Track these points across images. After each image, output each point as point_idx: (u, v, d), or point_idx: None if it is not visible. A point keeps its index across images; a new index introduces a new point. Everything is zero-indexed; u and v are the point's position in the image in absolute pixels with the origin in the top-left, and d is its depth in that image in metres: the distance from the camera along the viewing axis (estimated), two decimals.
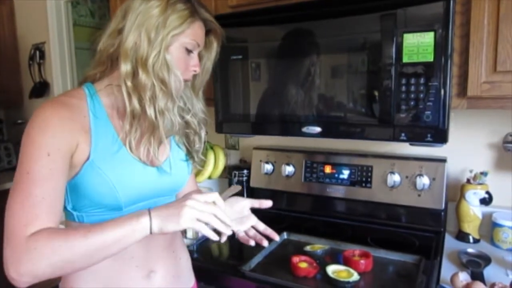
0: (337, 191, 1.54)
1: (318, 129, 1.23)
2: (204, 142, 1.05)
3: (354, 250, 1.20)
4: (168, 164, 0.95)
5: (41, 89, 2.84)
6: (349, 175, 1.52)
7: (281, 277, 1.11)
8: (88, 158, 0.82)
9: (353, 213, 1.54)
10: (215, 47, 0.99)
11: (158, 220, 0.75)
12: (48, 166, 0.76)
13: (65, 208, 0.86)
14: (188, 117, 0.97)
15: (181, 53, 0.88)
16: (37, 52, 2.81)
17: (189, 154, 1.03)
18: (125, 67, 0.83)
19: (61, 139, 0.79)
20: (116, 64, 0.87)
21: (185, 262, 1.06)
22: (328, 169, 1.56)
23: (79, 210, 0.86)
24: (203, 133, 1.03)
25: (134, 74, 0.83)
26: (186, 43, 0.88)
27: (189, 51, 0.90)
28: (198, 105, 1.00)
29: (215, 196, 0.81)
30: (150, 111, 0.84)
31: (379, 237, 1.38)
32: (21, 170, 0.76)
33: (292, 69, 1.27)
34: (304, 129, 1.24)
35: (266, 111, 1.33)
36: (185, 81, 0.93)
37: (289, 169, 1.62)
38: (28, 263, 0.70)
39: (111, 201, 0.86)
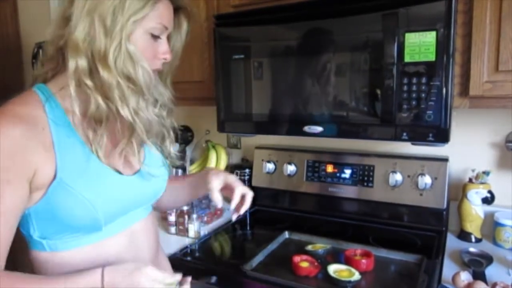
0: (339, 191, 1.54)
1: (320, 129, 1.23)
2: (177, 137, 0.96)
3: (355, 249, 1.20)
4: (146, 170, 0.85)
5: None
6: (351, 174, 1.52)
7: (283, 277, 1.12)
8: (54, 178, 0.71)
9: (354, 213, 1.54)
10: (185, 27, 0.85)
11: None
12: (8, 197, 0.66)
13: (29, 237, 0.76)
14: (156, 110, 0.83)
15: (146, 40, 0.75)
16: (40, 51, 2.82)
17: (163, 153, 0.92)
18: (73, 62, 0.70)
19: (20, 163, 0.67)
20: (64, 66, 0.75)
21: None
22: (330, 169, 1.56)
23: (50, 238, 0.75)
24: (172, 126, 0.92)
25: (92, 71, 0.71)
26: (151, 28, 0.75)
27: (155, 37, 0.77)
28: (167, 94, 0.87)
29: (177, 278, 0.75)
30: (125, 112, 0.72)
31: (380, 237, 1.38)
32: None
33: (294, 68, 1.27)
34: (306, 129, 1.25)
35: (268, 110, 1.33)
36: (156, 71, 0.81)
37: (291, 168, 1.63)
38: None
39: (89, 222, 0.75)
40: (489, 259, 1.17)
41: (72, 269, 0.75)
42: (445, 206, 1.37)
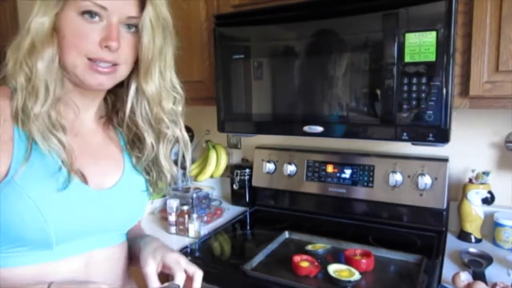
0: (339, 191, 1.54)
1: (320, 129, 1.23)
2: (177, 172, 0.88)
3: (355, 249, 1.21)
4: (119, 189, 0.77)
5: None
6: (351, 174, 1.52)
7: (283, 276, 1.12)
8: (6, 175, 0.63)
9: (354, 213, 1.54)
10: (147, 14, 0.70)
11: None
12: None
13: None
14: (139, 122, 0.76)
15: (78, 20, 0.67)
16: None
17: (149, 182, 0.84)
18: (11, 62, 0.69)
19: None
20: None
21: None
22: (330, 169, 1.57)
23: None
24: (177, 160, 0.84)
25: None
26: (84, 5, 0.66)
27: (91, 15, 0.67)
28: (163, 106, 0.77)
29: None
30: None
31: (380, 237, 1.38)
32: None
33: (294, 68, 1.27)
34: (306, 129, 1.25)
35: (268, 110, 1.33)
36: (99, 60, 0.68)
37: (291, 168, 1.63)
38: None
39: (37, 235, 0.65)
40: (489, 260, 1.17)
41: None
42: (445, 206, 1.37)
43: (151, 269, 0.75)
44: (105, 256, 0.77)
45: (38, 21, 0.67)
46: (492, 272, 1.11)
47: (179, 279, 0.74)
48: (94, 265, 0.75)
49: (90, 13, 0.67)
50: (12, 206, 0.64)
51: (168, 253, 0.78)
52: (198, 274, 0.78)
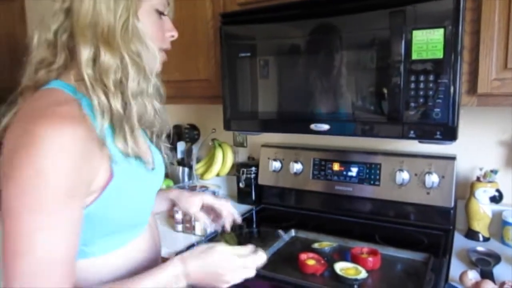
0: (346, 189, 1.54)
1: (326, 127, 1.22)
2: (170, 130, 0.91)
3: (362, 247, 1.20)
4: (160, 168, 0.85)
5: None
6: (358, 172, 1.52)
7: (289, 274, 1.12)
8: (111, 178, 0.68)
9: (361, 211, 1.54)
10: (172, 4, 0.82)
11: (194, 283, 0.73)
12: (70, 215, 0.61)
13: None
14: (155, 100, 0.79)
15: (153, 17, 0.73)
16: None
17: (160, 150, 0.89)
18: (85, 52, 0.66)
19: (84, 172, 0.63)
20: (74, 54, 0.69)
21: None
22: (336, 167, 1.56)
23: (92, 244, 0.71)
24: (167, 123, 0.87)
25: (95, 58, 0.66)
26: (156, 3, 0.73)
27: (160, 14, 0.75)
28: (162, 87, 0.82)
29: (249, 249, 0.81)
30: (114, 102, 0.67)
31: (387, 235, 1.38)
32: (29, 223, 0.57)
33: (300, 66, 1.26)
34: (313, 127, 1.24)
35: (274, 108, 1.33)
36: (164, 50, 0.79)
37: (297, 167, 1.63)
38: None
39: (136, 220, 0.77)
40: (497, 258, 1.16)
41: (109, 275, 0.73)
42: (452, 204, 1.36)
43: (196, 209, 1.00)
44: (150, 227, 0.87)
45: (134, 23, 0.69)
46: (500, 271, 1.11)
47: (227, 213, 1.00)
48: (151, 228, 0.86)
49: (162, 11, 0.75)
50: (117, 202, 0.70)
51: (203, 194, 0.99)
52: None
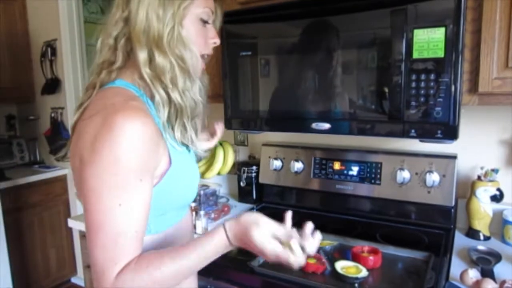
0: (346, 188, 1.54)
1: (327, 126, 1.23)
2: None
3: (363, 246, 1.20)
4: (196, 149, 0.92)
5: (53, 86, 2.88)
6: (358, 171, 1.52)
7: (290, 273, 1.12)
8: (170, 165, 0.78)
9: (362, 210, 1.54)
10: (219, 14, 0.91)
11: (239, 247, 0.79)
12: (142, 194, 0.71)
13: None
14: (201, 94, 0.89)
15: (197, 25, 0.82)
16: (49, 49, 2.85)
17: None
18: (142, 54, 0.76)
19: (152, 158, 0.73)
20: (131, 56, 0.80)
21: None
22: (337, 166, 1.56)
23: (153, 220, 0.80)
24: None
25: (151, 59, 0.77)
26: (200, 13, 0.82)
27: (205, 22, 0.84)
28: (206, 83, 0.93)
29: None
30: (174, 95, 0.78)
31: (388, 234, 1.38)
32: (109, 200, 0.68)
33: (301, 65, 1.27)
34: (313, 126, 1.25)
35: (275, 107, 1.33)
36: (207, 56, 0.88)
37: (298, 166, 1.63)
38: None
39: (185, 202, 0.88)
40: (497, 257, 1.16)
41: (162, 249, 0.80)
42: (453, 203, 1.36)
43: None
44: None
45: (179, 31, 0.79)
46: (501, 269, 1.11)
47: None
48: (189, 218, 0.97)
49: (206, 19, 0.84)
50: (175, 186, 0.80)
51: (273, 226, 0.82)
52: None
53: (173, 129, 0.80)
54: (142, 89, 0.80)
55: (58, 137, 2.87)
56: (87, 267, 1.67)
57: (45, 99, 2.96)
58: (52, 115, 2.90)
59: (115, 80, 0.80)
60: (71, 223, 1.72)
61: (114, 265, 0.68)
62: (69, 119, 2.85)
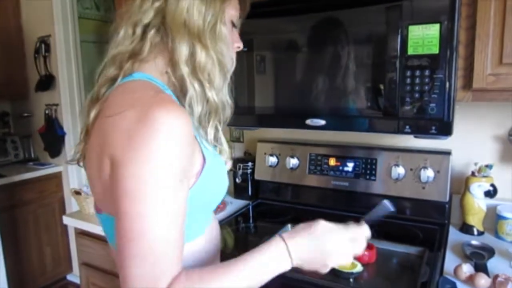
0: (342, 184, 1.55)
1: (322, 122, 1.23)
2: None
3: None
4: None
5: (47, 82, 2.86)
6: (354, 167, 1.53)
7: None
8: (204, 164, 0.71)
9: (357, 206, 1.55)
10: (241, 19, 0.87)
11: (299, 264, 0.73)
12: (182, 198, 0.63)
13: None
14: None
15: (229, 27, 0.79)
16: (43, 45, 2.82)
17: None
18: (183, 48, 0.70)
19: (191, 157, 0.67)
20: (157, 48, 0.74)
21: None
22: (332, 162, 1.57)
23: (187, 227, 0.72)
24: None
25: (192, 54, 0.71)
26: (232, 15, 0.79)
27: (233, 25, 0.81)
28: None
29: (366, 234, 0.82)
30: (211, 93, 0.73)
31: (383, 229, 1.38)
32: (151, 204, 0.59)
33: (297, 62, 1.27)
34: (309, 122, 1.25)
35: (270, 103, 1.33)
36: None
37: (293, 162, 1.63)
38: None
39: (215, 205, 0.81)
40: (491, 252, 1.18)
41: (196, 259, 0.76)
42: (447, 199, 1.37)
43: None
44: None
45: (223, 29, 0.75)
46: (494, 264, 1.12)
47: None
48: (216, 225, 0.89)
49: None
50: (209, 187, 0.73)
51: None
52: None
53: (204, 128, 0.75)
54: (166, 84, 0.74)
55: (53, 134, 2.85)
56: (83, 264, 1.67)
57: (39, 95, 2.94)
58: (46, 112, 2.88)
59: (133, 73, 0.73)
60: (66, 220, 1.72)
61: (158, 280, 0.59)
62: (64, 116, 2.84)
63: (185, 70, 0.71)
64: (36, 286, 2.84)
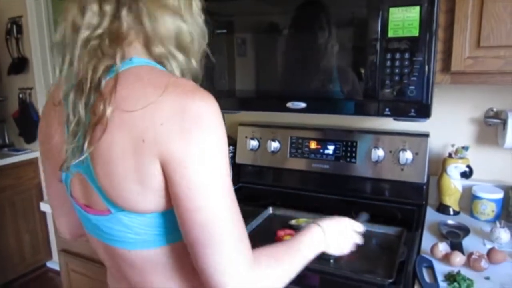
0: (322, 166, 1.56)
1: (303, 105, 1.23)
2: None
3: None
4: None
5: (20, 65, 2.76)
6: (334, 150, 1.54)
7: None
8: None
9: (337, 188, 1.56)
10: None
11: (329, 247, 0.86)
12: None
13: (173, 229, 0.68)
14: None
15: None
16: (14, 26, 2.71)
17: None
18: (167, 25, 0.69)
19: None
20: (135, 27, 0.67)
21: None
22: (313, 145, 1.58)
23: None
24: None
25: (175, 31, 0.71)
26: None
27: None
28: None
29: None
30: (194, 68, 0.78)
31: (362, 211, 1.41)
32: (227, 193, 0.65)
33: (278, 44, 1.25)
34: (289, 105, 1.24)
35: (251, 87, 1.32)
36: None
37: (274, 145, 1.63)
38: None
39: None
40: (466, 231, 1.21)
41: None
42: (425, 180, 1.40)
43: None
44: None
45: None
46: (469, 242, 1.15)
47: None
48: None
49: None
50: None
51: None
52: None
53: None
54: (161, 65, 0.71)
55: (28, 118, 2.77)
56: (62, 251, 1.65)
57: (12, 79, 2.84)
58: (20, 96, 2.79)
59: (132, 58, 0.67)
60: (43, 207, 1.68)
61: (247, 261, 0.64)
62: (39, 100, 2.75)
63: (169, 47, 0.69)
64: (15, 274, 2.80)
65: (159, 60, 0.70)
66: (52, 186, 0.84)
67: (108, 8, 0.65)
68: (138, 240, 0.68)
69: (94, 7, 0.65)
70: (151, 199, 0.64)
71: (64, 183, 0.75)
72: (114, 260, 0.75)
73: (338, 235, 0.90)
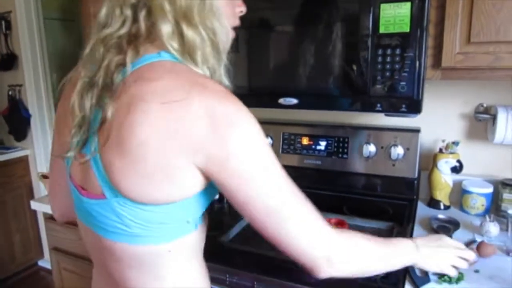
0: (315, 162, 1.56)
1: (295, 101, 1.23)
2: None
3: (330, 218, 1.24)
4: None
5: (9, 62, 2.73)
6: (326, 146, 1.54)
7: (260, 247, 1.13)
8: None
9: (329, 183, 1.57)
10: None
11: (422, 261, 0.88)
12: None
13: (193, 219, 0.72)
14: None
15: None
16: (3, 22, 2.68)
17: None
18: (165, 27, 0.64)
19: None
20: (153, 30, 0.66)
21: None
22: (305, 141, 1.58)
23: (195, 219, 0.74)
24: None
25: (180, 33, 0.65)
26: None
27: None
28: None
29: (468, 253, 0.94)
30: (205, 72, 0.70)
31: (354, 206, 1.42)
32: (289, 183, 0.76)
33: (269, 40, 1.25)
34: (281, 101, 1.24)
35: (244, 83, 1.32)
36: (234, 29, 0.76)
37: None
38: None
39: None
40: (456, 225, 1.22)
41: (198, 245, 0.79)
42: (416, 175, 1.41)
43: None
44: None
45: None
46: (459, 236, 1.16)
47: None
48: None
49: None
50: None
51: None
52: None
53: None
54: None
55: (18, 116, 2.74)
56: (53, 249, 1.64)
57: (1, 76, 2.80)
58: (10, 92, 2.76)
59: (160, 52, 0.66)
60: (34, 205, 1.67)
61: (328, 231, 0.77)
62: (29, 97, 2.72)
63: (175, 51, 0.65)
64: (6, 273, 2.78)
65: (183, 57, 0.67)
66: (56, 161, 0.82)
67: (127, 11, 0.65)
68: (126, 233, 0.66)
69: (116, 9, 0.66)
70: (166, 189, 0.63)
71: (66, 161, 0.74)
72: (100, 252, 0.73)
73: (435, 251, 0.91)
